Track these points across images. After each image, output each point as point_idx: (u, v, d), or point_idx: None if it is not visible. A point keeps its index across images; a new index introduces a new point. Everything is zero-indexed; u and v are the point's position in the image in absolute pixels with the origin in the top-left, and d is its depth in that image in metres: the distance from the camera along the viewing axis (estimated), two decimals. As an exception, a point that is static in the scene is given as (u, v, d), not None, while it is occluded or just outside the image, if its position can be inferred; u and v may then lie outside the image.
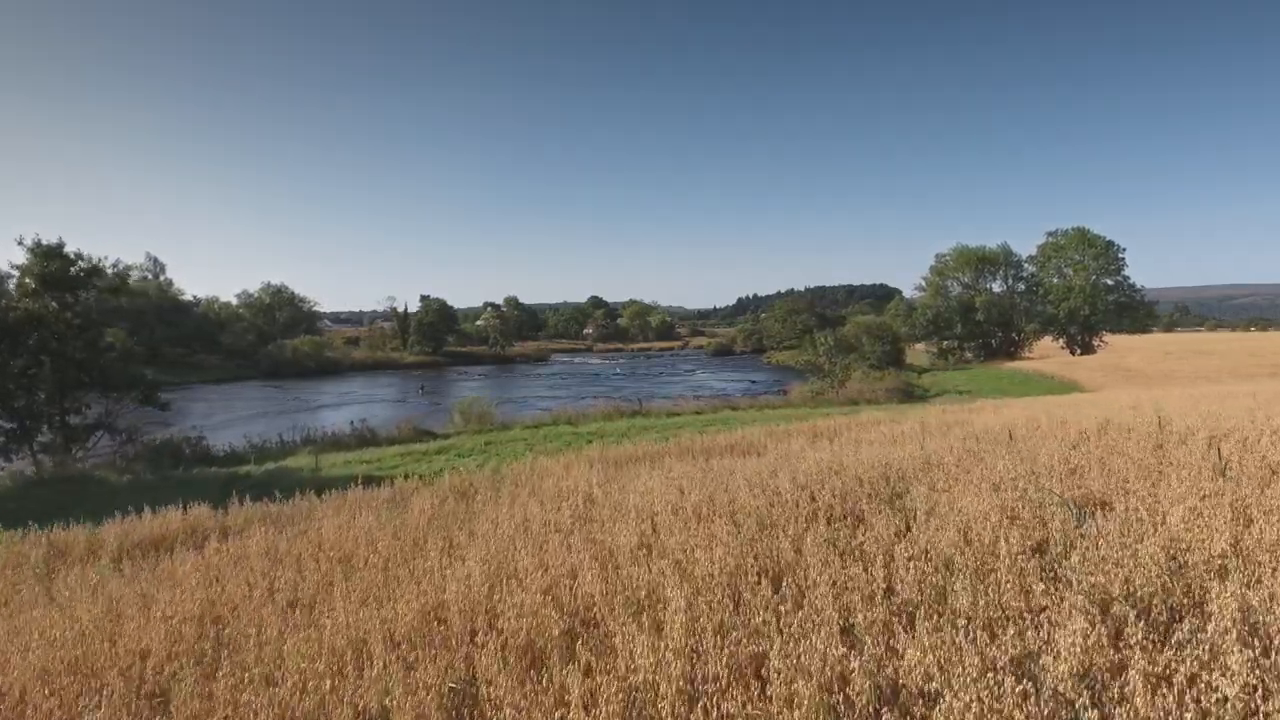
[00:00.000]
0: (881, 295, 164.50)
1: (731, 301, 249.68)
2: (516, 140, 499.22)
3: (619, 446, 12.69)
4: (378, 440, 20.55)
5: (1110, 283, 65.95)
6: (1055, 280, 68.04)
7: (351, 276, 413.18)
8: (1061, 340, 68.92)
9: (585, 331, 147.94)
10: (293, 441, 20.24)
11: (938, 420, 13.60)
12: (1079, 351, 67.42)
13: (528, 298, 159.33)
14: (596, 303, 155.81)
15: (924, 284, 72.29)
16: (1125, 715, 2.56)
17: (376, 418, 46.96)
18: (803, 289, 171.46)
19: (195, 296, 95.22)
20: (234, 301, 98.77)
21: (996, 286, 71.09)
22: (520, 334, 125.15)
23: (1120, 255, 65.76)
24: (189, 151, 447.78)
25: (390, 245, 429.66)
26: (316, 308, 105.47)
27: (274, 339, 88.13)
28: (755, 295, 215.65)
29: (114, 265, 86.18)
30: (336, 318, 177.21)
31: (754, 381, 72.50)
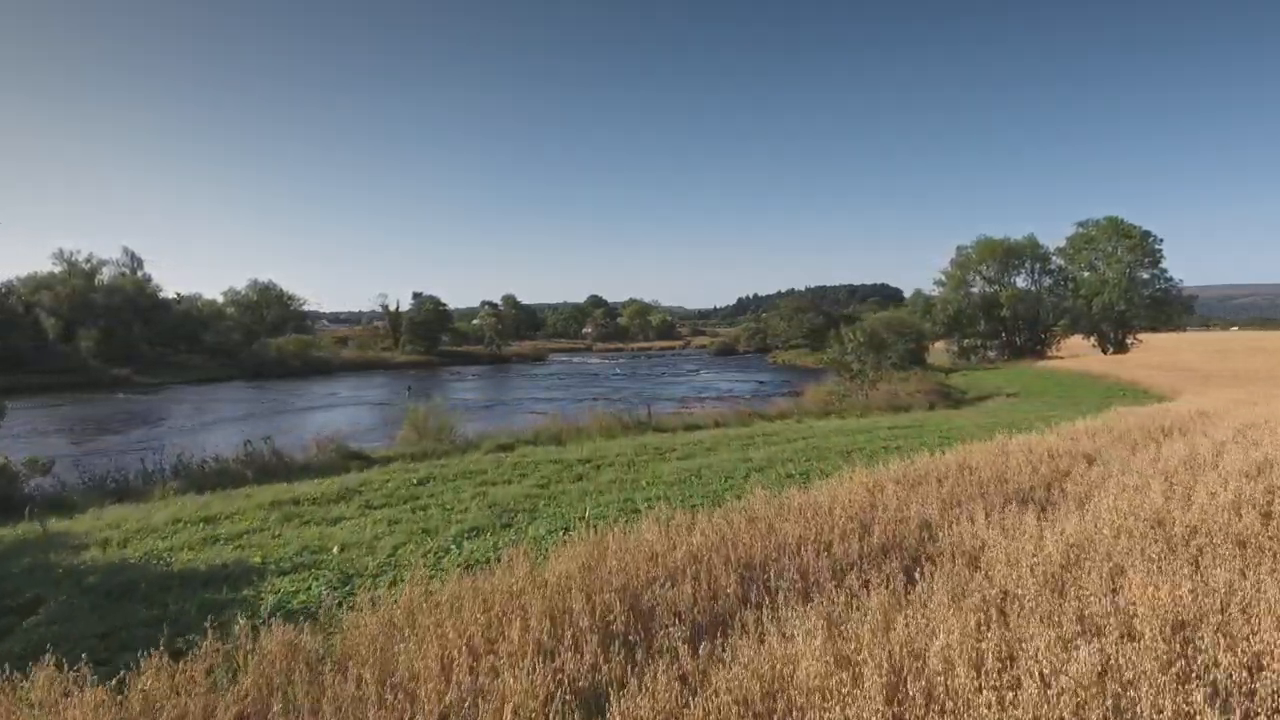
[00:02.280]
0: (884, 295, 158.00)
1: (732, 301, 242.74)
2: (516, 140, 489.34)
3: (628, 522, 6.17)
4: (284, 469, 14.05)
5: (1146, 276, 59.42)
6: (1086, 274, 61.49)
7: (351, 277, 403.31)
8: (1092, 338, 62.40)
9: (584, 331, 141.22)
10: (158, 470, 13.71)
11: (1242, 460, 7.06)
12: (1111, 350, 60.96)
13: (527, 297, 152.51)
14: (596, 302, 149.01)
15: (943, 278, 65.74)
16: None
17: (347, 425, 40.32)
18: (803, 289, 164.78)
19: (179, 294, 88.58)
20: (220, 299, 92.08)
21: (1021, 281, 64.60)
22: (518, 333, 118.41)
23: (1158, 247, 59.25)
24: (189, 151, 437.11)
25: (390, 245, 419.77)
26: (307, 306, 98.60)
27: (261, 338, 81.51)
28: (755, 295, 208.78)
29: (87, 260, 79.89)
30: (336, 318, 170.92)
31: (762, 382, 66.06)
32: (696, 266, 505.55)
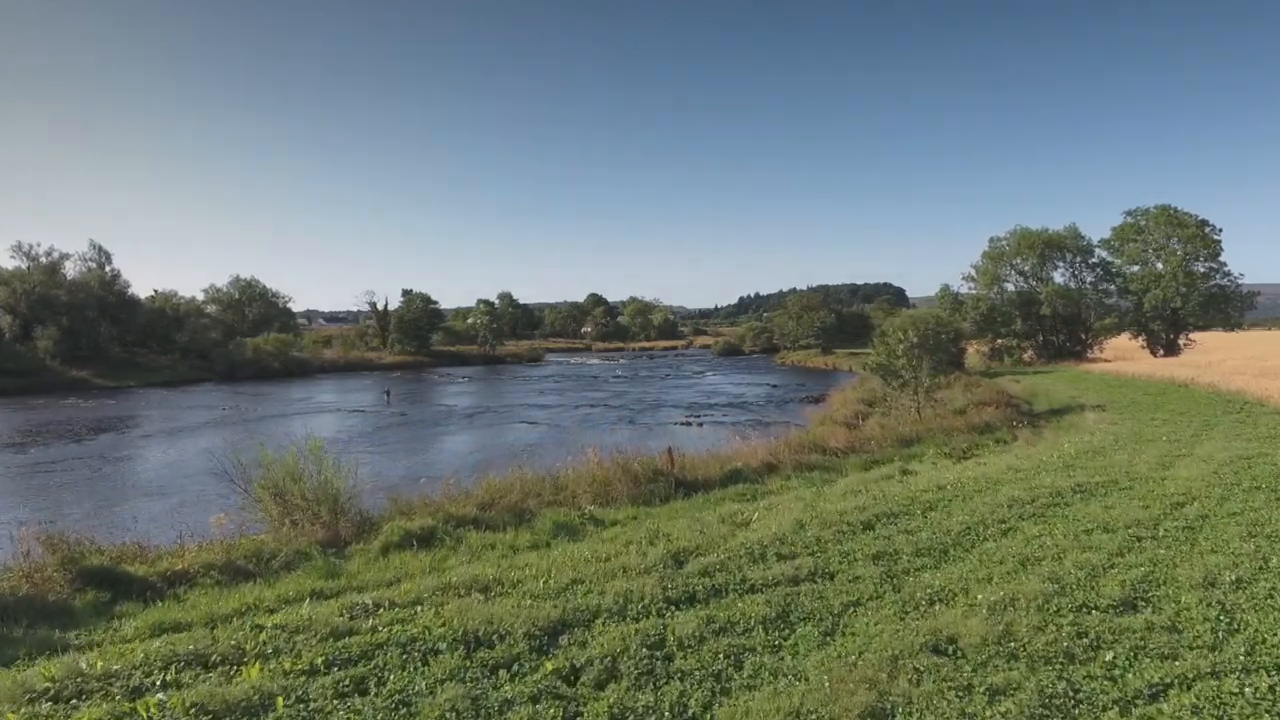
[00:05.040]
0: (887, 294, 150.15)
1: (733, 300, 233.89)
2: (516, 139, 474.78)
3: None
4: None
5: (1202, 269, 51.55)
6: (1135, 268, 53.62)
7: (350, 277, 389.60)
8: (1141, 338, 54.52)
9: (584, 330, 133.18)
10: None
11: None
12: (1161, 352, 53.17)
13: (526, 296, 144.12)
14: (596, 300, 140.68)
15: (973, 272, 57.83)
16: None
17: (294, 443, 32.34)
18: (804, 287, 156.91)
19: (156, 290, 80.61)
20: (200, 297, 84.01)
21: (1058, 276, 56.72)
22: (515, 332, 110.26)
23: (1216, 237, 51.42)
24: (179, 151, 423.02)
25: (389, 244, 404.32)
26: (294, 305, 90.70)
27: (237, 337, 73.53)
28: (757, 294, 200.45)
29: (48, 253, 71.70)
30: (334, 317, 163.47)
31: (774, 386, 58.26)
32: (696, 265, 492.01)
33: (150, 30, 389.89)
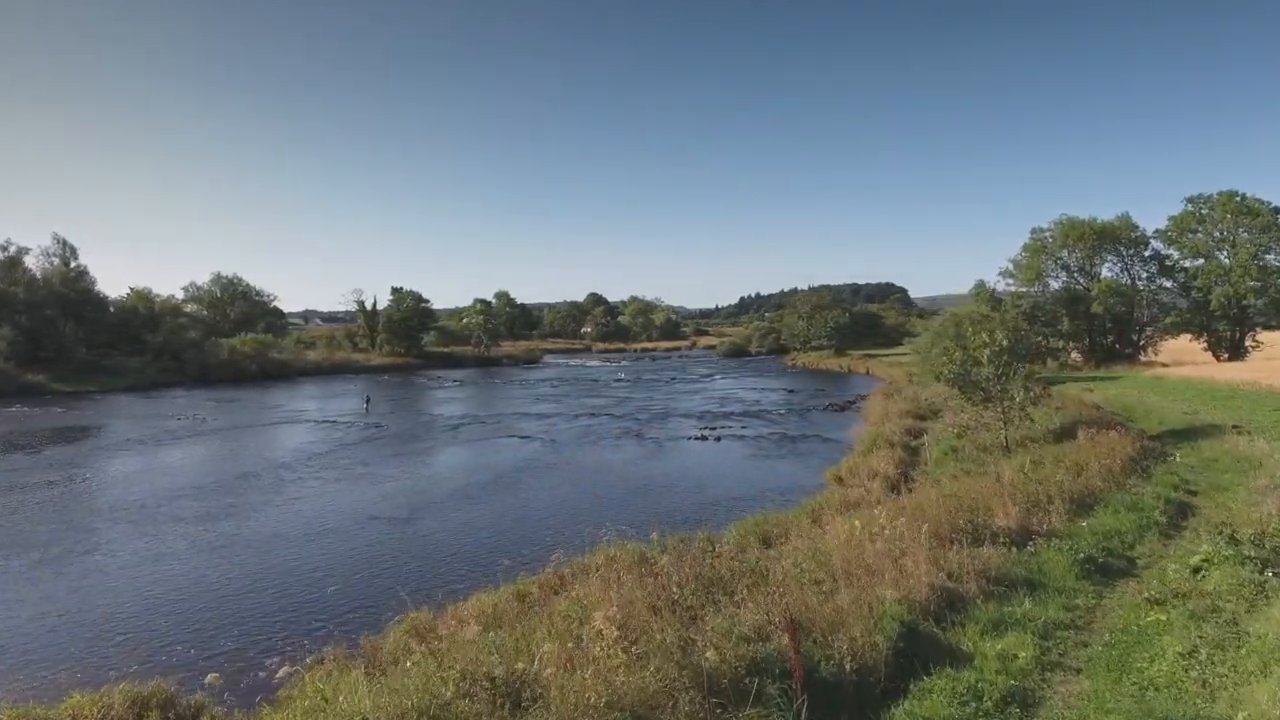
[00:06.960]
0: (889, 293, 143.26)
1: (734, 300, 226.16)
2: (516, 138, 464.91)
3: None
4: None
5: (1277, 263, 44.62)
6: (1199, 261, 46.65)
7: (351, 277, 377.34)
8: (1203, 339, 47.52)
9: (584, 330, 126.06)
10: None
11: None
12: (1225, 355, 46.25)
13: (525, 296, 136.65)
14: (596, 299, 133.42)
15: (1012, 267, 50.85)
16: None
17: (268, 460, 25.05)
18: (805, 287, 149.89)
19: (132, 288, 73.32)
20: (180, 295, 76.72)
21: (1107, 270, 49.79)
22: (512, 332, 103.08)
23: (1291, 225, 44.49)
24: (188, 149, 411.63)
25: (390, 245, 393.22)
26: (278, 302, 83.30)
27: (218, 337, 66.33)
28: (758, 294, 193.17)
29: (5, 247, 64.36)
30: (332, 317, 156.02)
31: (791, 391, 51.27)
32: (696, 265, 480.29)
33: (150, 27, 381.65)
